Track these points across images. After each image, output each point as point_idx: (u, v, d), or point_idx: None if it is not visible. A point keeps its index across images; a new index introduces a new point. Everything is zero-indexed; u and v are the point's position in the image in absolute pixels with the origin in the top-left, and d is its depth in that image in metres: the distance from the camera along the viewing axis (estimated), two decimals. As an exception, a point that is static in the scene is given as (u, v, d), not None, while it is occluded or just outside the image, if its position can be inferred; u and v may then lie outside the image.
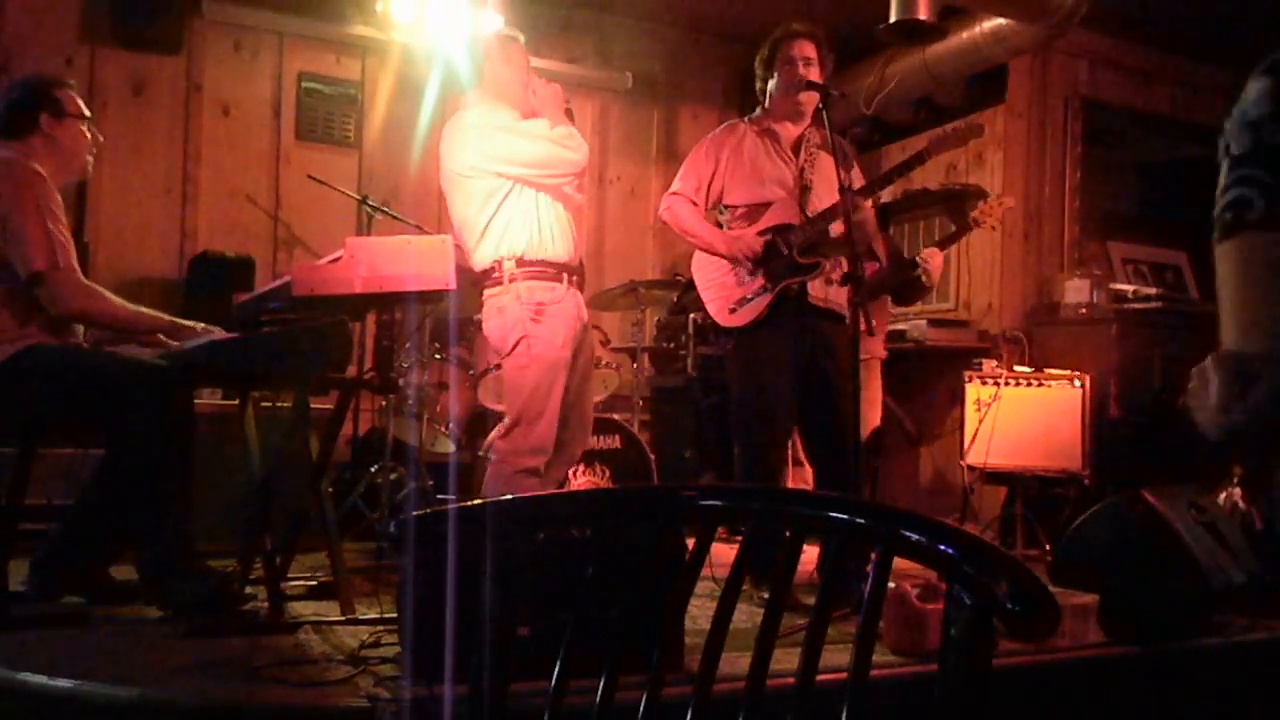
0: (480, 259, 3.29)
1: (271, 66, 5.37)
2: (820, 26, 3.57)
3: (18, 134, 3.00)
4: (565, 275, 3.32)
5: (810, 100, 3.46)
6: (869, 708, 0.87)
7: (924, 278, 4.15)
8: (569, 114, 3.43)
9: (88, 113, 3.14)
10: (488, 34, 3.65)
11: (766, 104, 3.59)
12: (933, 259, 4.14)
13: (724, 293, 3.46)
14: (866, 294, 3.84)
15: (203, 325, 3.03)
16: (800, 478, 4.18)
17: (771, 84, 3.52)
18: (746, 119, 3.64)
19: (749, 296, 3.40)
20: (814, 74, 3.44)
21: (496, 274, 3.27)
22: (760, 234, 3.42)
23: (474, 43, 3.62)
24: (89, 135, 3.13)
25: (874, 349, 4.33)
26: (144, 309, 3.03)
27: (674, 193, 3.59)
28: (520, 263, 3.25)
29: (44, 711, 2.17)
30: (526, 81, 3.42)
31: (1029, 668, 2.64)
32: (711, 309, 3.52)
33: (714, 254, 3.49)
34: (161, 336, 3.02)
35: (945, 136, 3.46)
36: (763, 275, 3.40)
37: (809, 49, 3.46)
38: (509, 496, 1.16)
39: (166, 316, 3.04)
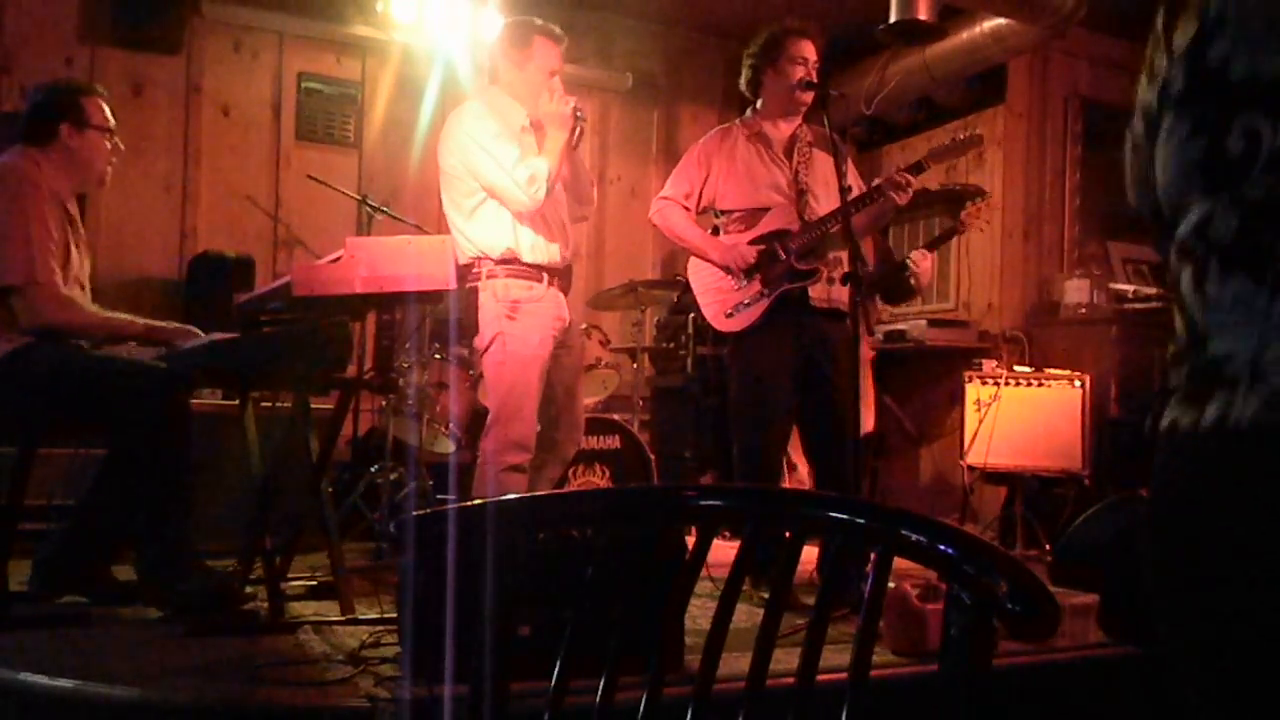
0: (461, 254, 3.27)
1: (271, 66, 5.37)
2: (821, 25, 3.57)
3: (36, 140, 2.99)
4: (546, 276, 3.29)
5: (808, 99, 3.47)
6: (869, 708, 0.87)
7: (913, 280, 4.15)
8: (578, 131, 3.27)
9: (112, 124, 3.11)
10: (511, 24, 3.40)
11: (759, 99, 3.57)
12: (922, 261, 4.14)
13: (720, 297, 3.46)
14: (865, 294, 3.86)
15: (175, 325, 3.03)
16: (795, 480, 4.18)
17: (769, 76, 3.50)
18: (738, 121, 3.63)
19: (745, 302, 3.40)
20: (813, 75, 3.45)
21: (475, 270, 3.27)
22: (757, 240, 3.42)
23: (495, 37, 3.47)
24: (110, 146, 3.11)
25: (861, 350, 4.32)
26: (118, 315, 3.01)
27: (664, 196, 3.58)
28: (498, 261, 3.24)
29: (44, 711, 2.17)
30: (540, 84, 3.28)
31: (1029, 668, 2.64)
32: (708, 314, 3.51)
33: (706, 260, 3.49)
34: (135, 345, 3.00)
35: (944, 148, 3.46)
36: (759, 280, 3.39)
37: (812, 50, 3.45)
38: (509, 496, 1.16)
39: (141, 321, 3.02)
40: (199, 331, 3.00)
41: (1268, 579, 0.92)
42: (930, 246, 4.35)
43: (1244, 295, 0.97)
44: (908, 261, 4.14)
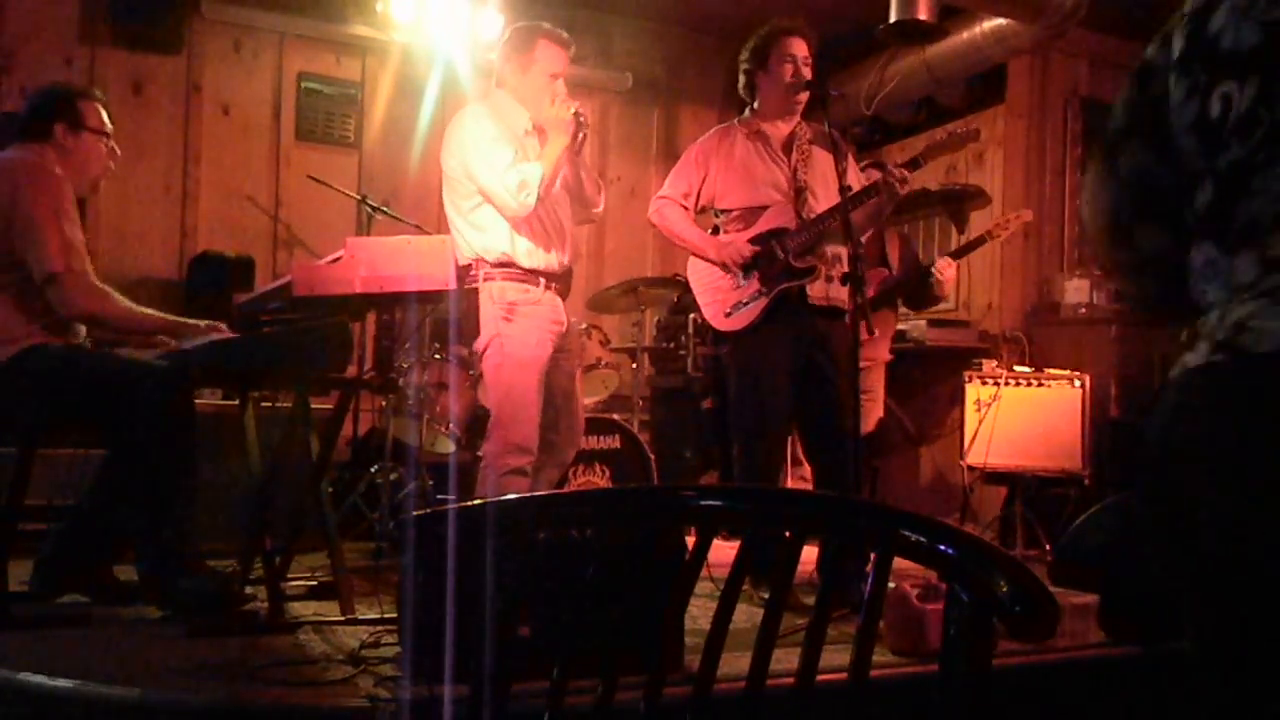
0: (461, 256, 3.26)
1: (271, 66, 5.37)
2: (820, 25, 3.57)
3: (33, 139, 2.99)
4: (543, 280, 3.28)
5: (804, 98, 3.47)
6: (869, 708, 0.87)
7: (936, 288, 4.24)
8: (581, 136, 3.24)
9: (109, 128, 3.11)
10: (517, 29, 3.38)
11: (756, 101, 3.57)
12: (946, 270, 4.24)
13: (719, 297, 3.46)
14: (873, 299, 3.88)
15: (207, 323, 3.03)
16: (799, 476, 4.19)
17: (762, 78, 3.50)
18: (737, 121, 3.63)
19: (744, 301, 3.40)
20: (808, 73, 3.45)
21: (474, 271, 3.26)
22: (755, 239, 3.42)
23: (501, 40, 3.44)
24: (106, 150, 3.10)
25: (878, 352, 4.36)
26: (149, 310, 3.03)
27: (662, 196, 3.58)
28: (494, 264, 3.23)
29: (44, 711, 2.17)
30: (544, 89, 3.26)
31: (1029, 668, 2.64)
32: (707, 313, 3.51)
33: (704, 259, 3.49)
34: (163, 337, 3.02)
35: (940, 143, 3.47)
36: (758, 279, 3.39)
37: (805, 47, 3.45)
38: (508, 496, 1.16)
39: (171, 316, 3.04)
40: (224, 328, 3.00)
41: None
42: (954, 256, 4.41)
43: (1212, 261, 1.04)
44: (932, 270, 4.23)
